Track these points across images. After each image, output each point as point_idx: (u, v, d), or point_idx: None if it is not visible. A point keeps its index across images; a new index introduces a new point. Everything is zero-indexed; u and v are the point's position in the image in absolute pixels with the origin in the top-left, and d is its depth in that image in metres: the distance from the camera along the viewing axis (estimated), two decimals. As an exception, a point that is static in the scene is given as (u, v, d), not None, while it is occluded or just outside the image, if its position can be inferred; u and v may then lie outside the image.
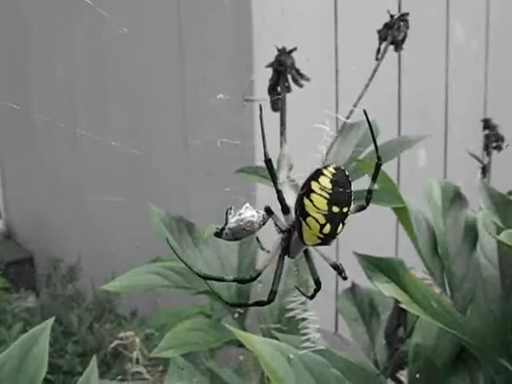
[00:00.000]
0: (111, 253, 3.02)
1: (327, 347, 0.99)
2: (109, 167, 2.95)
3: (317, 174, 0.57)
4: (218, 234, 0.60)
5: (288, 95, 1.03)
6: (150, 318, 2.51)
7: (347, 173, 0.57)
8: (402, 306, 0.80)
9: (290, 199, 0.64)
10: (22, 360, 0.66)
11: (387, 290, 0.80)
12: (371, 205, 0.90)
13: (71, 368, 2.51)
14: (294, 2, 2.23)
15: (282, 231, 0.61)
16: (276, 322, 1.01)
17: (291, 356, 0.74)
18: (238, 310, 1.12)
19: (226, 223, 0.59)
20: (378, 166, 0.61)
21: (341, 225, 0.58)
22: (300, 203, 0.57)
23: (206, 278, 0.60)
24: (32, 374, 0.63)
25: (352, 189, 0.57)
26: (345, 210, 0.57)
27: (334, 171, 0.57)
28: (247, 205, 0.60)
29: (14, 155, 3.87)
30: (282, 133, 0.98)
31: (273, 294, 0.59)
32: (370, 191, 0.61)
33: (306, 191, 0.57)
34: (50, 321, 0.68)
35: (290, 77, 0.97)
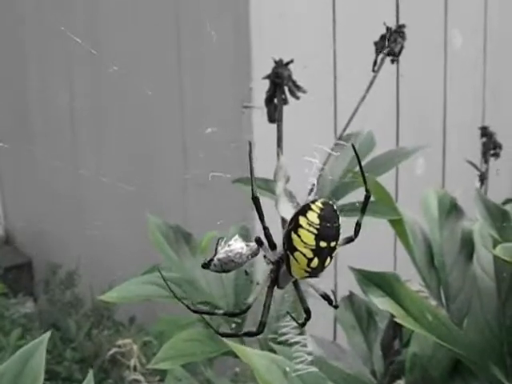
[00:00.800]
0: (109, 259, 3.02)
1: (324, 358, 0.99)
2: (108, 175, 2.95)
3: (304, 209, 0.57)
4: (206, 266, 0.60)
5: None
6: (148, 325, 2.51)
7: (335, 207, 0.58)
8: (397, 320, 0.80)
9: (287, 212, 0.64)
10: (19, 373, 0.66)
11: (382, 304, 0.81)
12: (369, 217, 0.90)
13: (69, 375, 2.51)
14: (293, 7, 2.24)
15: (271, 262, 0.61)
16: (273, 333, 1.01)
17: (287, 369, 0.74)
18: (236, 320, 1.12)
19: (216, 253, 0.59)
20: (366, 199, 0.61)
21: (329, 258, 0.58)
22: (288, 238, 0.58)
23: (196, 311, 0.60)
24: (28, 388, 0.64)
25: (340, 222, 0.58)
26: (332, 244, 0.57)
27: (321, 206, 0.57)
28: (236, 237, 0.60)
29: (14, 161, 3.87)
30: (279, 144, 0.98)
31: (262, 325, 0.59)
32: (358, 224, 0.61)
33: (293, 226, 0.57)
34: (47, 334, 0.68)
35: (286, 89, 0.97)
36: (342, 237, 0.59)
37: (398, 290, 0.82)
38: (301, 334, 0.74)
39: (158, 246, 1.20)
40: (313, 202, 0.58)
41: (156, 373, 1.88)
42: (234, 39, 2.21)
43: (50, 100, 3.41)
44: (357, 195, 1.03)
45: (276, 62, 0.97)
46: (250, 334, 0.60)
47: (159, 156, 2.68)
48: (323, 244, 0.57)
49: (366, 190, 0.61)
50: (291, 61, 0.96)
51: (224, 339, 0.89)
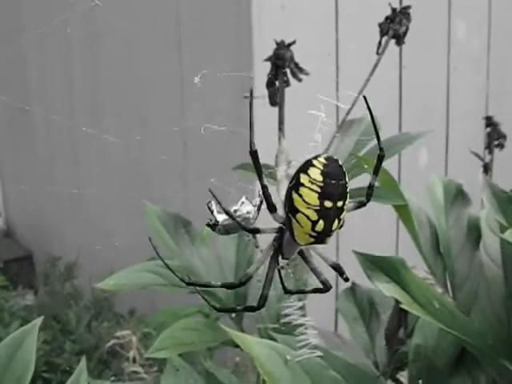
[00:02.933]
0: (110, 251, 3.00)
1: (326, 348, 0.97)
2: (107, 166, 2.93)
3: (306, 166, 0.51)
4: (211, 227, 0.56)
5: (288, 91, 1.01)
6: (148, 317, 2.49)
7: (340, 163, 0.51)
8: (403, 306, 0.77)
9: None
10: (10, 359, 0.64)
11: (388, 289, 0.78)
12: (372, 202, 0.87)
13: (69, 366, 2.49)
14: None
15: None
16: (274, 322, 0.99)
17: (288, 357, 0.72)
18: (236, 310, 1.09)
19: (214, 215, 0.55)
20: (380, 158, 0.54)
21: (336, 221, 0.51)
22: (289, 198, 0.51)
23: (190, 284, 0.56)
24: (19, 374, 0.61)
25: (347, 180, 0.51)
26: (339, 204, 0.51)
27: (325, 162, 0.51)
28: (244, 199, 0.55)
29: (14, 154, 3.86)
30: (280, 128, 0.96)
31: (263, 299, 0.54)
32: (371, 186, 0.55)
33: (294, 184, 0.51)
34: (39, 320, 0.66)
35: (288, 71, 0.94)
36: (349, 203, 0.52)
37: (404, 275, 0.79)
38: (303, 316, 0.70)
39: (156, 234, 1.18)
40: (315, 157, 0.51)
41: (155, 364, 1.86)
42: (236, 30, 2.18)
43: (51, 98, 3.39)
44: (360, 182, 1.00)
45: (277, 44, 0.94)
46: (249, 309, 0.55)
47: (159, 145, 2.65)
48: (328, 204, 0.50)
49: (380, 149, 0.54)
50: (293, 42, 0.93)
51: (224, 328, 0.87)
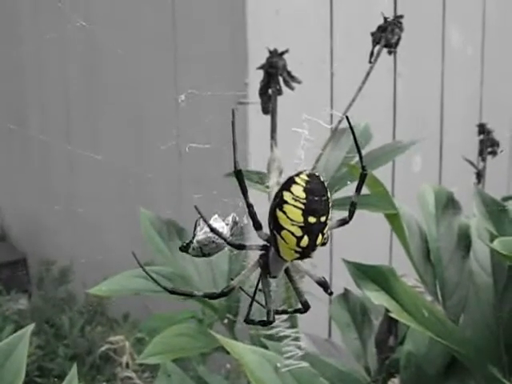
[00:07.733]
0: (104, 255, 3.00)
1: (317, 354, 0.97)
2: (102, 171, 2.93)
3: (289, 183, 0.52)
4: (185, 249, 0.57)
5: (283, 98, 1.01)
6: (142, 322, 2.49)
7: (322, 179, 0.53)
8: (392, 315, 0.78)
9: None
10: (1, 367, 0.64)
11: (377, 298, 0.78)
12: (365, 211, 0.88)
13: (62, 371, 2.48)
14: (289, 4, 2.22)
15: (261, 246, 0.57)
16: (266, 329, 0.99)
17: (278, 365, 0.72)
18: (228, 315, 1.10)
19: (194, 236, 0.56)
20: (362, 176, 0.56)
21: (320, 235, 0.53)
22: (273, 216, 0.53)
23: (173, 292, 0.57)
24: (9, 381, 0.61)
25: (329, 196, 0.53)
26: (323, 219, 0.52)
27: (307, 178, 0.52)
28: (216, 216, 0.56)
29: (8, 158, 3.85)
30: (273, 136, 0.96)
31: (272, 313, 0.57)
32: (353, 204, 0.56)
33: (278, 202, 0.52)
34: (30, 327, 0.66)
35: (281, 79, 0.95)
36: (332, 213, 0.54)
37: (393, 284, 0.80)
38: (291, 327, 0.71)
39: (150, 240, 1.18)
40: (297, 174, 0.53)
41: (149, 369, 1.86)
42: (231, 36, 2.19)
43: (46, 104, 3.39)
44: (353, 189, 1.01)
45: (270, 52, 0.94)
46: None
47: (153, 153, 2.66)
48: (312, 219, 0.52)
49: (362, 168, 0.56)
50: (286, 51, 0.94)
51: (215, 335, 0.87)
